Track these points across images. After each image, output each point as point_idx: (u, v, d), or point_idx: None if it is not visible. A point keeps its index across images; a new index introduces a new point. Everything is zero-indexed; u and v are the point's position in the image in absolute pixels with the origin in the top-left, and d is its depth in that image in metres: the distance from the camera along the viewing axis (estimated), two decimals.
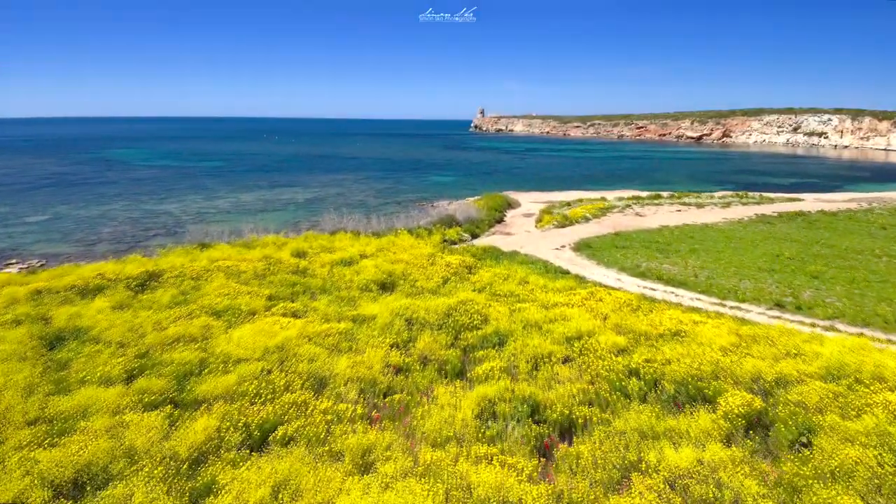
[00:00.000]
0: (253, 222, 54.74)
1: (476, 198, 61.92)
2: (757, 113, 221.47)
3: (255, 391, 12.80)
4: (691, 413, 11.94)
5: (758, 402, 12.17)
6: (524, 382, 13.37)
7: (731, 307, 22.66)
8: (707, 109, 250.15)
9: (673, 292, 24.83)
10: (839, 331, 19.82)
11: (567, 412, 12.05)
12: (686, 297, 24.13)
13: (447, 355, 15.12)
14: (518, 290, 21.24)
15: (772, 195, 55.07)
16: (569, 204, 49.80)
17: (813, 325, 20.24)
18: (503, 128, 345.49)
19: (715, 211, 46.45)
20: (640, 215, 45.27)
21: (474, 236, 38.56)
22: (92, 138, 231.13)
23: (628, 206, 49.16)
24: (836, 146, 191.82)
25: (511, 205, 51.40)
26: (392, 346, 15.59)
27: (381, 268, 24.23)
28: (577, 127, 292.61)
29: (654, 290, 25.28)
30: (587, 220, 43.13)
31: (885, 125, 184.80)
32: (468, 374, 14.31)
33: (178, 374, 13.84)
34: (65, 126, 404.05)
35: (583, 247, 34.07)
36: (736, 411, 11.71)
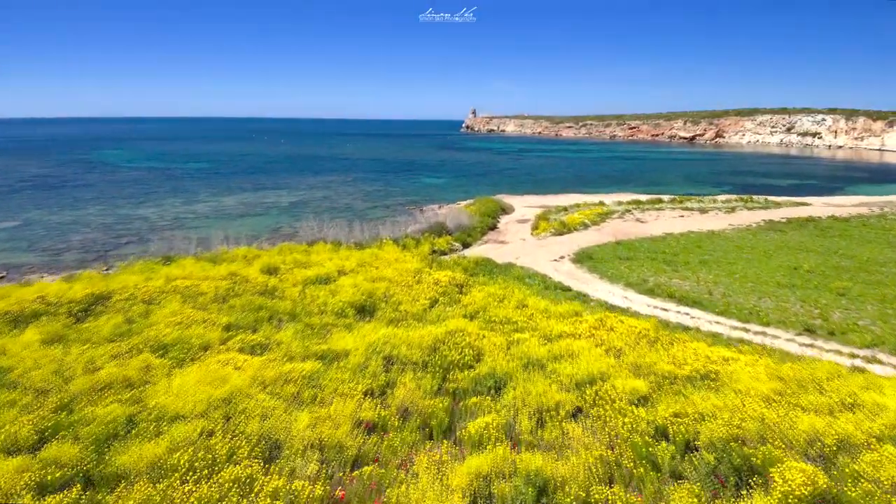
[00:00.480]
0: (228, 230, 51.88)
1: (468, 202, 59.30)
2: (750, 113, 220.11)
3: (188, 463, 10.09)
4: (739, 493, 9.38)
5: (821, 478, 9.58)
6: (527, 450, 10.73)
7: (756, 332, 20.13)
8: (700, 110, 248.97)
9: (688, 313, 22.28)
10: (882, 362, 17.35)
11: (583, 495, 9.43)
12: (703, 319, 21.58)
13: (432, 406, 12.45)
14: (516, 317, 18.61)
15: (778, 199, 52.76)
16: (566, 209, 47.27)
17: (852, 356, 17.73)
18: (495, 128, 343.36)
19: (720, 216, 44.04)
20: (642, 221, 42.79)
21: (466, 245, 35.94)
22: (82, 139, 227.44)
23: (628, 210, 46.67)
24: (830, 146, 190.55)
25: (505, 210, 48.81)
26: (366, 395, 12.91)
27: (361, 287, 21.55)
28: (570, 127, 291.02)
29: (666, 310, 22.73)
30: (586, 226, 40.58)
31: (879, 125, 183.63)
32: (458, 433, 11.67)
33: (99, 436, 11.11)
34: (60, 126, 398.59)
35: (583, 258, 31.50)
36: (797, 492, 9.12)
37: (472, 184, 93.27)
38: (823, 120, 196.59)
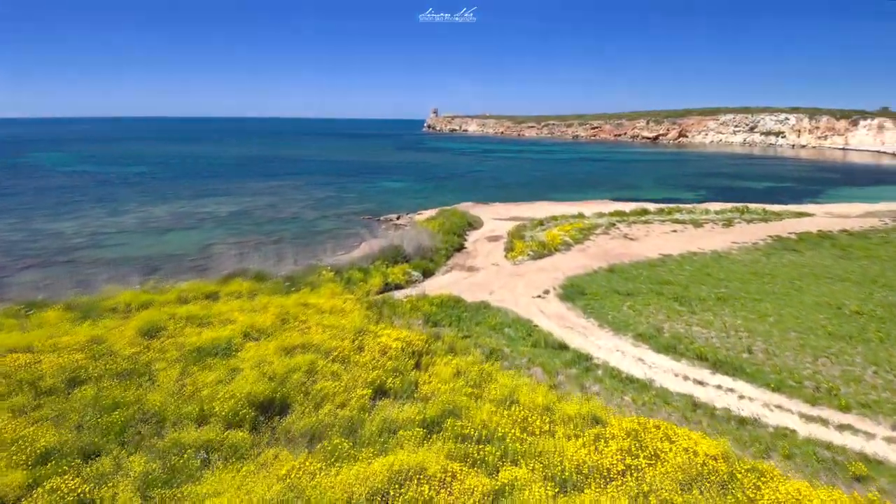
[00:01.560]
0: (148, 249, 44.65)
1: (430, 213, 52.69)
2: (713, 112, 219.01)
3: None
4: None
5: None
6: None
7: (839, 426, 14.11)
8: (662, 109, 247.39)
9: (732, 389, 16.16)
10: None
11: None
12: (757, 399, 15.49)
13: None
14: (502, 424, 12.05)
15: (776, 209, 47.71)
16: (541, 223, 41.09)
17: None
18: (457, 128, 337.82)
19: (717, 231, 38.49)
20: (631, 238, 36.90)
21: (428, 274, 29.36)
22: (19, 141, 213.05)
23: (612, 224, 40.77)
24: (793, 146, 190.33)
25: (472, 224, 42.35)
26: None
27: (272, 366, 14.74)
28: (532, 127, 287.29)
29: (701, 382, 16.58)
30: (568, 246, 34.45)
31: (842, 124, 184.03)
32: None
33: None
34: (4, 128, 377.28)
35: (574, 293, 25.22)
36: None
37: (433, 189, 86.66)
38: (787, 119, 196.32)
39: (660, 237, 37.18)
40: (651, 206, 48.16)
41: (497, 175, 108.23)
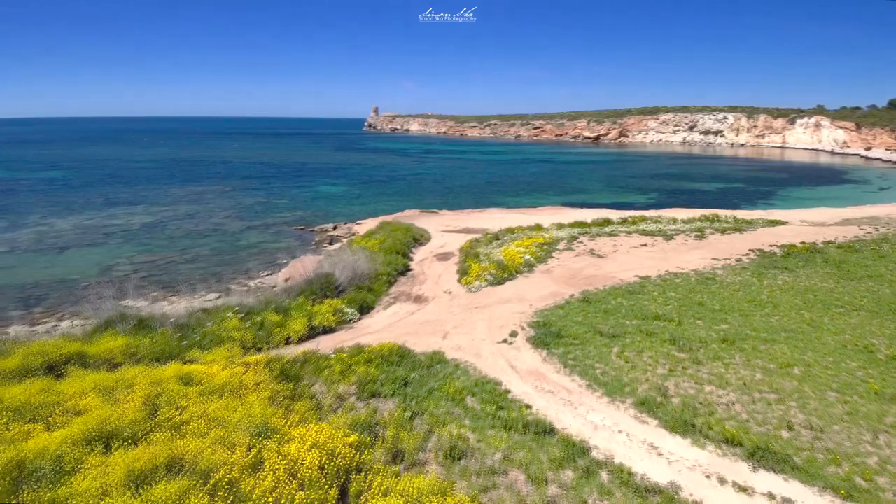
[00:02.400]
0: (37, 274, 38.19)
1: (370, 224, 47.16)
2: (653, 112, 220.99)
3: None
4: None
5: None
6: None
7: None
8: (603, 109, 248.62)
9: (789, 500, 11.54)
10: None
11: None
12: None
13: None
14: None
15: (747, 215, 44.62)
16: (497, 237, 36.25)
17: None
18: (399, 127, 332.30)
19: (691, 245, 34.56)
20: (598, 255, 32.48)
21: (366, 310, 23.94)
22: None
23: (575, 238, 36.36)
24: (732, 144, 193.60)
25: (419, 239, 37.08)
26: None
27: None
28: (474, 127, 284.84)
29: (744, 487, 11.95)
30: (531, 267, 29.71)
31: (780, 122, 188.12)
32: None
33: None
34: None
35: (548, 335, 20.32)
36: None
37: (374, 193, 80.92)
38: (725, 118, 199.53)
39: (630, 253, 32.90)
40: (614, 216, 44.15)
41: (441, 177, 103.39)
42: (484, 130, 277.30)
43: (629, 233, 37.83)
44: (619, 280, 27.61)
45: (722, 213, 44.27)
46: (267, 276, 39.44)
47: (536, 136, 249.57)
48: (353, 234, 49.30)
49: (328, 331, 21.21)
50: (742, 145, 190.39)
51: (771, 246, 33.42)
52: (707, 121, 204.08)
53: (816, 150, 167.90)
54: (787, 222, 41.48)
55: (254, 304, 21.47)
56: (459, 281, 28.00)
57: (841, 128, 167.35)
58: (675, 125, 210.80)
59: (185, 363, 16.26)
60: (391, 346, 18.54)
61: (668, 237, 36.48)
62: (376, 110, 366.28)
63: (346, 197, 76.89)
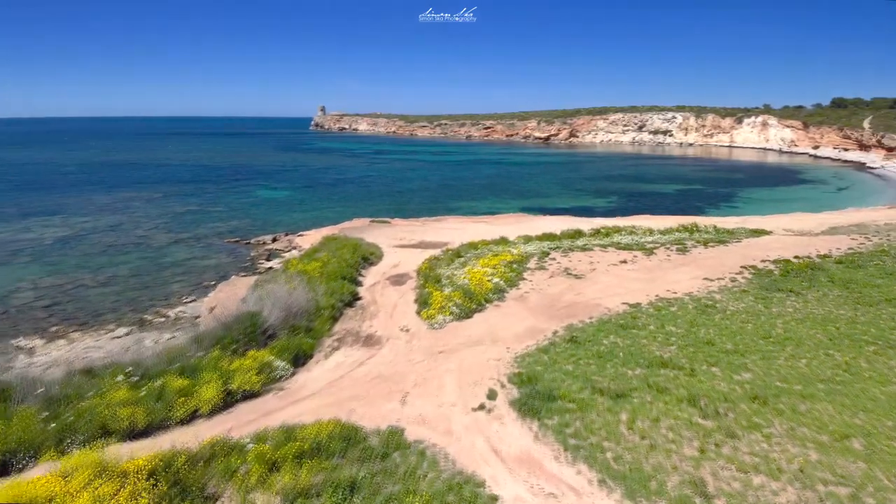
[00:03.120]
0: None
1: (313, 237, 42.03)
2: (602, 112, 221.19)
3: None
4: None
5: None
6: None
7: None
8: (553, 109, 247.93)
9: None
10: None
11: None
12: None
13: None
14: None
15: (726, 224, 41.58)
16: (459, 254, 31.80)
17: None
18: (347, 126, 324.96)
19: (676, 261, 30.89)
20: (576, 276, 28.44)
21: (302, 360, 19.04)
22: None
23: (546, 253, 32.24)
24: (681, 144, 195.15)
25: (368, 258, 32.21)
26: None
27: None
28: (424, 127, 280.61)
29: None
30: (502, 293, 25.39)
31: (728, 122, 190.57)
32: None
33: None
34: None
35: (534, 397, 15.90)
36: None
37: (320, 198, 75.30)
38: (674, 118, 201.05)
39: (610, 272, 28.98)
40: (584, 226, 40.32)
41: (392, 180, 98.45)
42: (434, 130, 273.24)
43: (604, 247, 33.97)
44: (605, 309, 23.56)
45: (700, 221, 41.09)
46: (191, 302, 34.00)
47: (487, 136, 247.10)
48: (294, 248, 44.06)
49: (249, 395, 16.26)
50: (691, 145, 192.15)
51: (763, 261, 30.04)
52: (656, 120, 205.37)
53: (764, 149, 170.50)
54: (770, 231, 38.48)
55: (152, 364, 16.31)
56: (419, 313, 23.39)
57: (788, 127, 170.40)
58: (625, 125, 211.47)
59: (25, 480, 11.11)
60: (332, 426, 13.76)
61: (648, 251, 32.77)
62: (323, 109, 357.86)
63: (289, 203, 71.14)
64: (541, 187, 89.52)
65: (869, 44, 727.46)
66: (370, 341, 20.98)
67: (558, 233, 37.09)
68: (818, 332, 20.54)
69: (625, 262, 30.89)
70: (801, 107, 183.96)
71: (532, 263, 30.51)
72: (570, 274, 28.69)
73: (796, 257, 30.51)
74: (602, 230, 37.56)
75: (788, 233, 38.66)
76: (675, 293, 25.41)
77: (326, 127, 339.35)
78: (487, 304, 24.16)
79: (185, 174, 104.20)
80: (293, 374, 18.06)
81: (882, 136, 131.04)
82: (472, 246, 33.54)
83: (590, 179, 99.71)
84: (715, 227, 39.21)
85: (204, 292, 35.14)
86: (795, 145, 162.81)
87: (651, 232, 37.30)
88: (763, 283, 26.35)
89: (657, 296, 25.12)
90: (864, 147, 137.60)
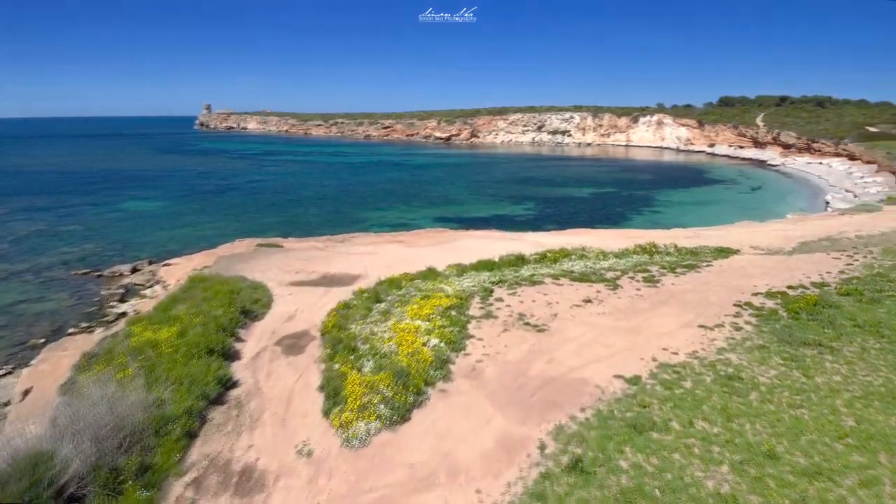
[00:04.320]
0: None
1: (183, 271, 32.59)
2: (502, 112, 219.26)
3: None
4: None
5: None
6: None
7: None
8: (453, 109, 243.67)
9: None
10: None
11: None
12: None
13: None
14: None
15: (678, 239, 36.27)
16: (378, 298, 23.92)
17: None
18: (235, 125, 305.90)
19: (649, 297, 24.67)
20: (535, 326, 21.50)
21: None
22: None
23: (488, 290, 25.08)
24: (579, 144, 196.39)
25: (251, 311, 23.51)
26: None
27: None
28: (319, 126, 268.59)
29: None
30: (445, 367, 17.89)
31: (624, 121, 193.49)
32: None
33: None
34: None
35: None
36: None
37: (197, 211, 64.03)
38: (572, 118, 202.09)
39: (577, 318, 22.26)
40: (516, 244, 33.77)
41: (285, 186, 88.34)
42: (330, 129, 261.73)
43: (556, 277, 27.32)
44: (595, 389, 16.69)
45: (656, 237, 35.64)
46: (4, 376, 24.17)
47: (386, 135, 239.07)
48: (158, 283, 34.39)
49: None
50: (589, 144, 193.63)
51: (755, 295, 24.44)
52: (554, 121, 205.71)
53: (661, 147, 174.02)
54: (737, 250, 33.52)
55: None
56: (327, 414, 15.42)
57: (684, 125, 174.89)
58: (524, 125, 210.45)
59: None
60: None
61: (611, 283, 26.45)
62: (209, 107, 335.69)
63: (160, 217, 59.83)
64: (451, 193, 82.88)
65: (752, 44, 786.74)
66: (247, 485, 12.81)
67: (496, 259, 30.10)
68: (884, 416, 14.71)
69: (589, 301, 24.32)
70: (691, 106, 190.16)
71: (475, 308, 23.27)
72: (528, 324, 21.69)
73: (790, 287, 25.26)
74: (548, 255, 30.92)
75: (757, 251, 33.97)
76: (676, 353, 19.02)
77: (212, 126, 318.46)
78: (429, 390, 16.62)
79: (37, 183, 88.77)
80: None
81: (778, 134, 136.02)
82: (394, 283, 25.75)
83: (499, 183, 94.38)
84: (675, 246, 33.79)
85: (27, 357, 25.35)
86: (692, 143, 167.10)
87: (605, 255, 31.18)
88: (776, 330, 20.53)
89: (654, 359, 18.60)
90: (759, 144, 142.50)
